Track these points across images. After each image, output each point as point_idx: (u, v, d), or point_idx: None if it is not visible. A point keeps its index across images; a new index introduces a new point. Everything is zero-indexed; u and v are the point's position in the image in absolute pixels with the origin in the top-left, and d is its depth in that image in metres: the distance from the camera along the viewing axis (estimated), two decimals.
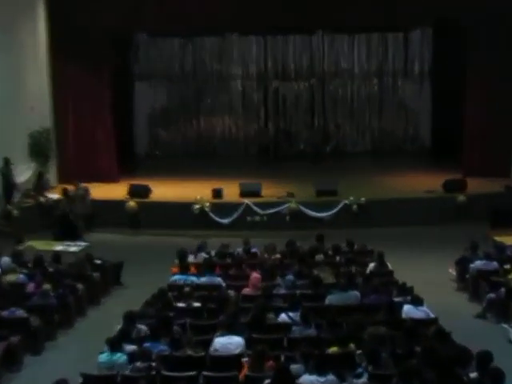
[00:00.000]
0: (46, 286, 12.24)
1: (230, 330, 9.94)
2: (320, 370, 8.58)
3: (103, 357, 9.46)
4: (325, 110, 27.07)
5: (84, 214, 19.08)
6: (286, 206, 19.00)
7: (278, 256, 14.20)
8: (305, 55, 26.80)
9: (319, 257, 13.81)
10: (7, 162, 18.69)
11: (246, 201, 19.18)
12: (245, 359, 9.51)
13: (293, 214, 18.94)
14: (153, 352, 9.42)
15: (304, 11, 20.33)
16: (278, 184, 20.94)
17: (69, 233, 18.39)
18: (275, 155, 25.99)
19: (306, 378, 8.65)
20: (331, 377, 8.60)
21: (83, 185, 19.67)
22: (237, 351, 9.71)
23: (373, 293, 11.77)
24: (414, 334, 9.76)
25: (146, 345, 9.68)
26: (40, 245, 16.05)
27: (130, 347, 9.75)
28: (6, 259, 13.94)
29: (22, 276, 13.25)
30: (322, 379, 8.55)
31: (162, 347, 9.71)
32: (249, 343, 9.89)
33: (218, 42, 26.77)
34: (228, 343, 9.77)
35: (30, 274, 13.28)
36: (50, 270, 13.65)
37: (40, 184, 19.62)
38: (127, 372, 9.18)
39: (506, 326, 12.23)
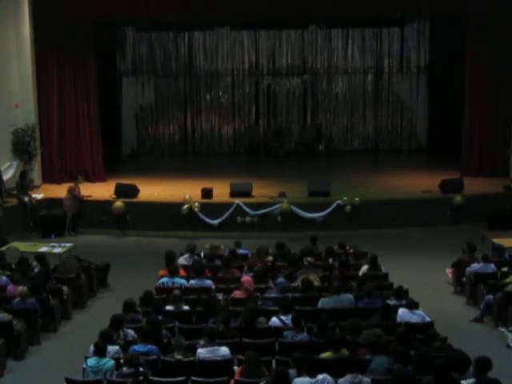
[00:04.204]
0: (22, 289, 11.96)
1: (214, 341, 9.67)
2: (312, 374, 8.52)
3: (91, 361, 9.32)
4: (318, 107, 26.80)
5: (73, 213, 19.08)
6: (278, 206, 18.72)
7: (271, 258, 13.92)
8: (297, 50, 26.63)
9: (307, 259, 13.51)
10: None
11: (237, 201, 18.89)
12: (235, 367, 9.37)
13: (284, 215, 18.62)
14: (140, 355, 9.31)
15: (297, 3, 20.08)
16: (270, 184, 20.73)
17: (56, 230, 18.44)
18: (266, 154, 25.79)
19: (297, 380, 8.55)
20: (321, 376, 8.55)
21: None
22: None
23: (367, 296, 11.61)
24: (407, 339, 9.62)
25: (134, 348, 9.57)
26: (24, 246, 15.73)
27: (113, 348, 9.61)
28: None
29: (4, 278, 12.90)
30: (313, 380, 8.50)
31: (151, 347, 9.60)
32: (239, 348, 9.72)
33: (208, 36, 26.56)
34: (212, 356, 9.52)
35: (12, 276, 12.91)
36: (35, 271, 13.39)
37: (23, 184, 19.27)
38: (114, 377, 9.11)
39: (503, 330, 12.19)
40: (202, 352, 9.51)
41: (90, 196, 19.39)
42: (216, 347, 9.53)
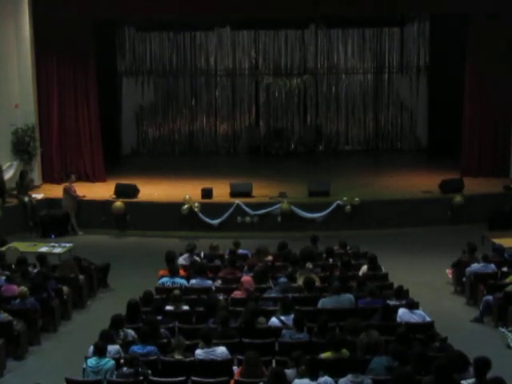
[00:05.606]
0: (22, 289, 11.95)
1: (210, 342, 9.62)
2: (312, 375, 8.51)
3: (91, 361, 9.32)
4: (318, 107, 26.80)
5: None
6: (278, 206, 18.71)
7: (270, 258, 13.90)
8: (297, 50, 26.61)
9: (308, 265, 13.40)
10: None
11: (237, 201, 18.87)
12: (235, 367, 9.38)
13: (284, 215, 18.61)
14: (140, 355, 9.32)
15: (298, 3, 20.08)
16: (270, 184, 20.73)
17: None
18: (266, 154, 25.77)
19: (297, 381, 8.54)
20: (323, 378, 8.52)
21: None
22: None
23: (367, 296, 11.61)
24: (407, 339, 9.60)
25: (133, 349, 9.58)
26: (24, 246, 15.72)
27: (113, 348, 9.62)
28: None
29: (2, 278, 12.87)
30: (313, 383, 8.48)
31: (150, 348, 9.59)
32: (239, 348, 9.73)
33: (208, 36, 26.57)
34: (209, 356, 9.49)
35: (9, 277, 12.87)
36: (34, 271, 13.37)
37: (23, 184, 19.27)
38: (114, 377, 9.12)
39: (503, 330, 12.16)
40: (199, 353, 9.50)
41: (84, 196, 19.36)
42: (213, 348, 9.50)
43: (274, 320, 10.64)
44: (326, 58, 26.57)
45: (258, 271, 12.64)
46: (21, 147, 20.16)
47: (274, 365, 9.45)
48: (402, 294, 11.76)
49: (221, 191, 19.59)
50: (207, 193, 19.26)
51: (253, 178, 20.79)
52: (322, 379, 8.53)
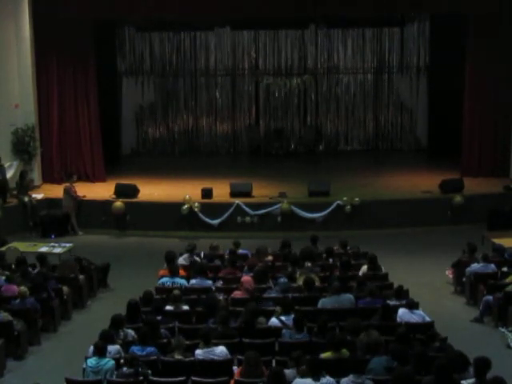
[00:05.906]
0: (22, 289, 11.95)
1: (210, 342, 9.62)
2: (314, 375, 8.50)
3: (91, 361, 9.31)
4: (318, 107, 26.81)
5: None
6: (278, 206, 18.70)
7: (270, 258, 13.89)
8: (297, 50, 26.63)
9: (307, 264, 13.43)
10: None
11: (237, 201, 18.86)
12: (235, 367, 9.39)
13: (284, 215, 18.61)
14: (140, 356, 9.31)
15: (297, 3, 20.06)
16: (270, 184, 20.73)
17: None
18: (266, 154, 25.79)
19: (299, 381, 8.53)
20: (325, 379, 8.53)
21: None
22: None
23: (367, 296, 11.60)
24: (407, 339, 9.60)
25: (133, 349, 9.57)
26: (24, 246, 15.72)
27: (114, 348, 9.62)
28: None
29: (2, 278, 12.86)
30: (316, 383, 8.49)
31: (150, 349, 9.58)
32: (239, 348, 9.73)
33: (208, 36, 26.60)
34: (208, 356, 9.50)
35: (11, 277, 12.87)
36: (34, 271, 13.38)
37: (23, 184, 19.27)
38: (114, 377, 9.12)
39: (504, 330, 12.15)
40: (199, 353, 9.51)
41: (84, 196, 19.35)
42: (212, 347, 9.50)
43: (273, 320, 10.63)
44: (326, 58, 26.59)
45: (258, 271, 12.63)
46: (21, 147, 20.18)
47: (274, 365, 9.45)
48: (401, 294, 11.75)
49: (221, 191, 19.59)
50: (207, 193, 19.26)
51: (253, 178, 20.79)
52: (324, 379, 8.52)
